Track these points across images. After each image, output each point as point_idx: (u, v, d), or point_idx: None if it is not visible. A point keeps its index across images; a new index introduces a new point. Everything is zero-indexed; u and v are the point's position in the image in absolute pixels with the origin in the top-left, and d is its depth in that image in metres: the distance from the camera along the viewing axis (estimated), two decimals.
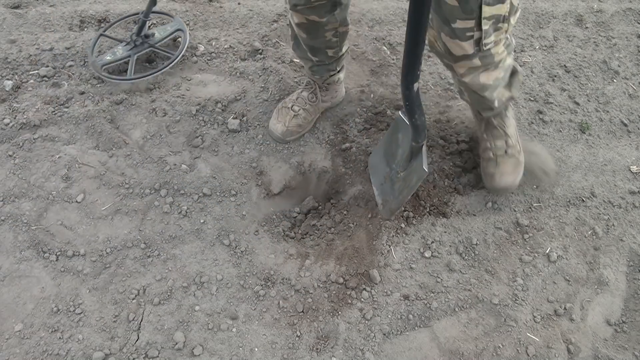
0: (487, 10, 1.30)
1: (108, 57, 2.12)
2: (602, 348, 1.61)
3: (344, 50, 1.94)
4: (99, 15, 2.41)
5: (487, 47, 1.39)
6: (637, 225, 1.93)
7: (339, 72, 2.06)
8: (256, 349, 1.51)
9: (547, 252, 1.80)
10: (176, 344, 1.50)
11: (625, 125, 2.27)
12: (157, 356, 1.48)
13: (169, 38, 2.26)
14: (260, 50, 2.35)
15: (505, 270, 1.75)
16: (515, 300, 1.68)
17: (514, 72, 1.71)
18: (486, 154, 1.82)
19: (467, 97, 1.76)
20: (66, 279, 1.62)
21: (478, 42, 1.36)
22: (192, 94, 2.15)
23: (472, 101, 1.75)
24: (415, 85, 1.27)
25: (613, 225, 1.91)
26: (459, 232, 1.82)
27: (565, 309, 1.68)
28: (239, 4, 2.59)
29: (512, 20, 1.39)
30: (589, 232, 1.87)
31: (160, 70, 2.12)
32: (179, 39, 2.28)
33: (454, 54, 1.45)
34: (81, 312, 1.55)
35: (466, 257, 1.76)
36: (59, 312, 1.55)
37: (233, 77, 2.24)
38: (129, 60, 2.13)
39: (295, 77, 2.25)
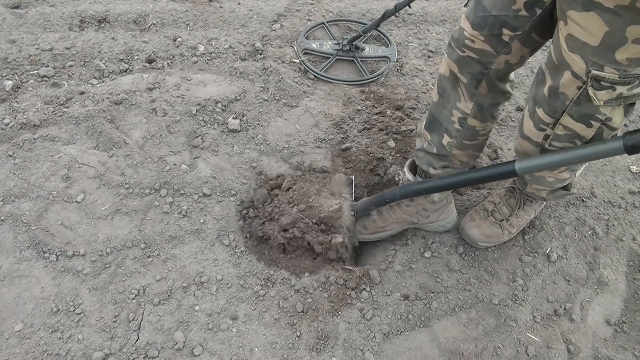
0: (567, 121, 1.24)
1: (314, 45, 2.28)
2: (602, 348, 1.61)
3: (459, 157, 1.58)
4: (99, 15, 2.41)
5: (552, 148, 1.32)
6: (637, 225, 1.93)
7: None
8: (256, 349, 1.51)
9: (547, 252, 1.80)
10: (176, 344, 1.50)
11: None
12: (157, 356, 1.48)
13: (374, 58, 2.35)
14: (260, 50, 2.35)
15: (505, 270, 1.75)
16: (515, 300, 1.68)
17: (568, 189, 1.62)
18: (489, 205, 1.78)
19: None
20: (66, 279, 1.62)
21: (547, 138, 1.32)
22: (192, 94, 2.15)
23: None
24: None
25: (613, 225, 1.91)
26: (459, 225, 1.82)
27: (565, 309, 1.68)
28: (239, 4, 2.59)
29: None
30: (589, 232, 1.87)
31: (344, 81, 2.24)
32: (382, 63, 2.37)
33: (523, 128, 1.41)
34: (81, 312, 1.55)
35: (466, 257, 1.76)
36: (59, 312, 1.55)
37: (233, 77, 2.24)
38: (329, 56, 2.29)
39: (295, 77, 2.25)
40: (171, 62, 2.28)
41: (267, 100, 2.16)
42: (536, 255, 1.79)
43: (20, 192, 1.79)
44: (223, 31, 2.42)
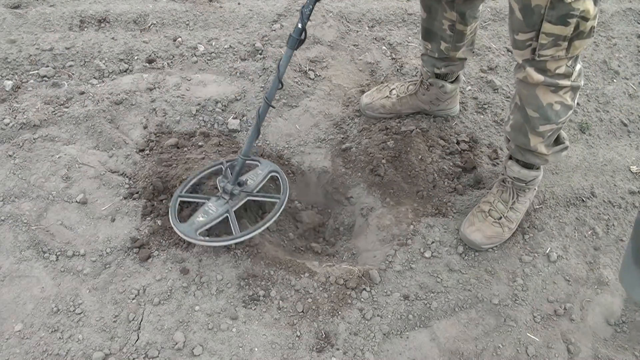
0: (547, 27, 1.37)
1: (201, 219, 1.68)
2: (602, 348, 1.61)
3: (457, 55, 1.89)
4: (99, 15, 2.41)
5: (542, 57, 1.43)
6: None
7: (445, 78, 2.01)
8: (256, 349, 1.51)
9: (547, 252, 1.80)
10: (176, 344, 1.50)
11: (625, 125, 2.27)
12: (157, 356, 1.48)
13: (262, 182, 1.83)
14: (260, 50, 2.35)
15: (505, 270, 1.75)
16: (515, 300, 1.68)
17: (561, 142, 1.69)
18: (484, 205, 1.81)
19: (514, 121, 1.66)
20: (66, 279, 1.62)
21: (534, 51, 1.44)
22: (192, 94, 2.15)
23: (517, 129, 1.65)
24: None
25: (613, 225, 1.91)
26: (459, 232, 1.82)
27: (565, 309, 1.68)
28: (239, 4, 2.59)
29: (577, 44, 1.40)
30: (589, 232, 1.87)
31: (272, 219, 1.71)
32: (276, 180, 1.90)
33: (517, 61, 1.53)
34: (81, 312, 1.55)
35: (466, 257, 1.76)
36: (59, 312, 1.55)
37: (233, 77, 2.24)
38: (226, 216, 1.71)
39: (295, 77, 2.25)
40: (171, 62, 2.28)
41: None
42: (536, 255, 1.79)
43: (20, 192, 1.79)
44: (223, 31, 2.43)
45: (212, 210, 1.71)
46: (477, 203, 1.86)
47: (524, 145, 1.65)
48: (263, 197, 1.80)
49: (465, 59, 1.95)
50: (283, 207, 1.75)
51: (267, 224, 1.70)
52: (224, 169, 1.76)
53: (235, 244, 1.68)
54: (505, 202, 1.80)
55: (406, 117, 2.14)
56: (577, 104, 1.78)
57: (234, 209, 1.72)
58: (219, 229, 1.73)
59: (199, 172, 1.83)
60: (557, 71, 1.47)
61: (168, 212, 1.74)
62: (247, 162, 1.75)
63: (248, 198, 1.77)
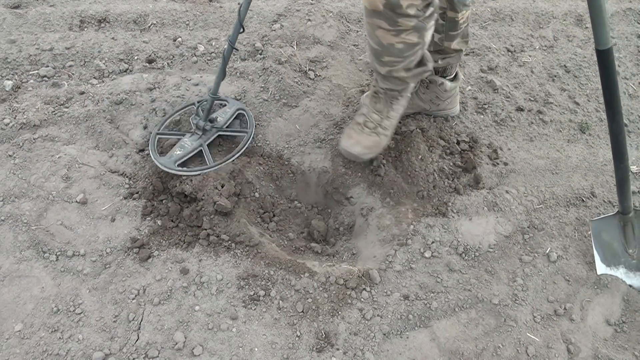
0: None
1: (178, 152, 1.88)
2: (602, 348, 1.61)
3: (452, 46, 1.87)
4: (99, 15, 2.41)
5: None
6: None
7: (444, 74, 1.99)
8: (256, 349, 1.51)
9: (547, 252, 1.80)
10: (176, 344, 1.50)
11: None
12: (157, 356, 1.48)
13: (231, 119, 2.03)
14: (260, 50, 2.35)
15: (505, 270, 1.75)
16: (515, 300, 1.68)
17: (423, 64, 1.75)
18: (360, 117, 1.90)
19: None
20: (66, 279, 1.62)
21: None
22: (192, 94, 2.15)
23: (371, 54, 1.72)
24: None
25: None
26: (459, 232, 1.82)
27: (565, 309, 1.68)
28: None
29: None
30: (589, 232, 1.87)
31: (241, 150, 1.92)
32: (243, 117, 2.09)
33: None
34: (81, 312, 1.55)
35: (466, 257, 1.76)
36: (59, 312, 1.55)
37: (233, 77, 2.24)
38: (200, 150, 1.92)
39: (295, 77, 2.25)
40: (171, 62, 2.28)
41: (267, 100, 2.16)
42: (536, 255, 1.79)
43: (20, 192, 1.79)
44: (223, 31, 2.43)
45: (187, 144, 1.91)
46: (353, 117, 1.96)
47: (380, 71, 1.74)
48: (232, 132, 2.01)
49: (461, 50, 1.94)
50: (250, 140, 1.97)
51: (236, 155, 1.90)
52: (195, 108, 1.96)
53: (209, 172, 1.85)
54: (380, 112, 1.88)
55: (406, 117, 2.14)
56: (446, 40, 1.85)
57: (207, 142, 1.93)
58: (195, 163, 1.91)
59: (174, 111, 2.05)
60: (408, 11, 1.48)
61: (150, 148, 1.91)
62: (217, 101, 2.00)
63: (218, 133, 1.97)
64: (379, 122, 1.86)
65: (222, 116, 2.01)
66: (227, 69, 2.27)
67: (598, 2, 1.32)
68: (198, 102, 2.00)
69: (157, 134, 1.96)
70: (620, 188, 1.72)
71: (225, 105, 2.07)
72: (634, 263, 1.78)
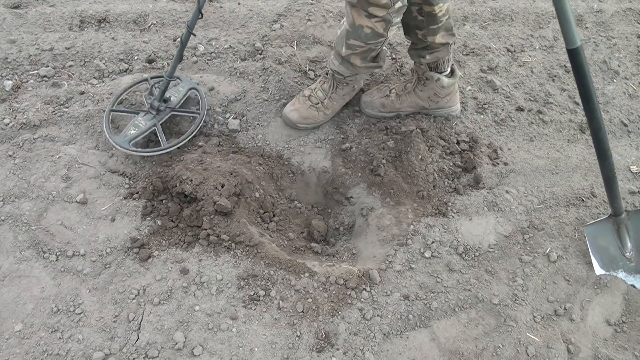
0: None
1: (132, 131, 1.90)
2: (602, 348, 1.61)
3: (436, 40, 1.89)
4: (99, 15, 2.41)
5: None
6: None
7: (438, 69, 2.01)
8: (256, 349, 1.51)
9: (547, 252, 1.80)
10: (176, 344, 1.50)
11: (625, 125, 2.27)
12: (157, 356, 1.48)
13: (184, 98, 2.06)
14: (260, 50, 2.35)
15: (505, 270, 1.75)
16: (515, 300, 1.68)
17: (377, 61, 1.92)
18: (307, 91, 2.07)
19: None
20: (66, 279, 1.62)
21: None
22: (192, 93, 2.15)
23: (340, 36, 1.85)
24: None
25: None
26: (459, 232, 1.82)
27: (565, 309, 1.68)
28: (239, 4, 2.59)
29: None
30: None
31: (193, 133, 1.96)
32: (195, 96, 2.11)
33: None
34: (81, 312, 1.55)
35: (466, 257, 1.76)
36: (59, 312, 1.55)
37: (233, 77, 2.24)
38: (154, 129, 1.95)
39: (295, 77, 2.25)
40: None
41: (267, 100, 2.16)
42: (536, 255, 1.79)
43: (20, 192, 1.79)
44: (223, 31, 2.42)
45: (141, 124, 1.92)
46: (302, 89, 2.12)
47: (340, 51, 1.86)
48: (184, 112, 2.03)
49: (448, 43, 1.94)
50: (202, 121, 2.00)
51: (189, 137, 1.94)
52: (150, 86, 1.99)
53: (162, 154, 1.92)
54: (325, 91, 2.04)
55: (406, 117, 2.14)
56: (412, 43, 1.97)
57: (160, 122, 1.96)
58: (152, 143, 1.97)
59: (127, 86, 2.05)
60: (379, 0, 1.62)
61: (104, 128, 1.92)
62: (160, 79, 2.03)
63: (172, 113, 2.00)
64: (322, 100, 2.04)
65: (175, 95, 2.03)
66: (227, 69, 2.27)
67: (563, 4, 1.41)
68: (152, 78, 2.03)
69: (111, 110, 1.97)
70: (609, 187, 1.71)
71: (178, 84, 2.09)
72: (632, 266, 1.77)
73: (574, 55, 1.53)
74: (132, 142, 1.88)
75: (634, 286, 1.74)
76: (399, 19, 1.74)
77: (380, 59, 1.92)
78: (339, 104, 2.09)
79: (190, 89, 2.07)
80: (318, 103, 2.03)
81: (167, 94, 1.99)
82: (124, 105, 2.06)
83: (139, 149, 1.89)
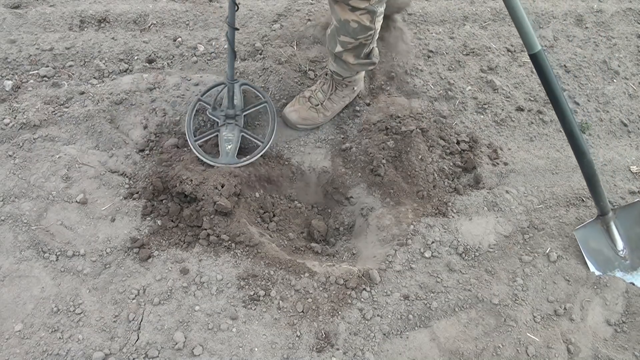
0: None
1: (229, 146, 1.91)
2: (602, 348, 1.61)
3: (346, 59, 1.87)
4: (99, 15, 2.40)
5: None
6: None
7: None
8: (256, 349, 1.51)
9: (547, 252, 1.80)
10: (176, 344, 1.50)
11: (625, 125, 2.27)
12: (157, 356, 1.48)
13: (242, 97, 2.07)
14: (260, 50, 2.35)
15: (505, 270, 1.75)
16: (515, 300, 1.68)
17: (369, 57, 1.89)
18: (307, 92, 2.08)
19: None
20: (66, 279, 1.62)
21: None
22: (192, 93, 2.15)
23: (331, 35, 1.85)
24: None
25: None
26: (459, 232, 1.82)
27: (565, 309, 1.68)
28: (239, 3, 2.58)
29: None
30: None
31: (275, 116, 1.99)
32: (248, 91, 2.13)
33: None
34: (81, 312, 1.55)
35: (466, 257, 1.76)
36: (59, 312, 1.55)
37: None
38: (242, 135, 1.97)
39: (295, 77, 2.24)
40: (171, 62, 2.28)
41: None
42: (536, 255, 1.79)
43: (20, 192, 1.79)
44: (223, 31, 2.42)
45: (230, 136, 1.94)
46: (303, 90, 2.12)
47: (333, 50, 1.86)
48: (254, 107, 2.04)
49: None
50: (273, 105, 2.02)
51: (275, 122, 1.99)
52: (204, 103, 2.02)
53: (266, 150, 1.94)
54: (325, 93, 2.05)
55: (406, 117, 2.14)
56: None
57: (243, 126, 1.98)
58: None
59: (189, 117, 2.00)
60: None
61: (200, 157, 1.88)
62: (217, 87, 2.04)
63: (244, 114, 2.02)
64: (321, 101, 2.05)
65: (236, 98, 2.03)
66: (225, 68, 2.27)
67: (518, 13, 1.45)
68: (201, 95, 2.04)
69: (195, 141, 1.93)
70: (591, 186, 1.71)
71: (224, 87, 2.07)
72: (627, 264, 1.77)
73: (536, 60, 1.52)
74: (236, 154, 1.90)
75: (633, 284, 1.74)
76: (382, 8, 1.73)
77: (373, 55, 1.91)
78: (339, 106, 2.10)
79: (242, 85, 2.07)
80: (318, 104, 2.04)
81: (224, 101, 2.01)
82: (197, 133, 2.01)
83: (246, 158, 1.89)
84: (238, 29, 1.87)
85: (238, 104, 2.01)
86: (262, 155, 1.93)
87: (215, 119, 1.98)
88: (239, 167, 1.87)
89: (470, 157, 2.04)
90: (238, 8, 1.79)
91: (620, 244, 1.79)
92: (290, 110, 2.05)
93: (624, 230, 1.80)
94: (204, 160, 1.87)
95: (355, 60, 1.87)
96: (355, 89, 2.10)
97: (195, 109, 2.03)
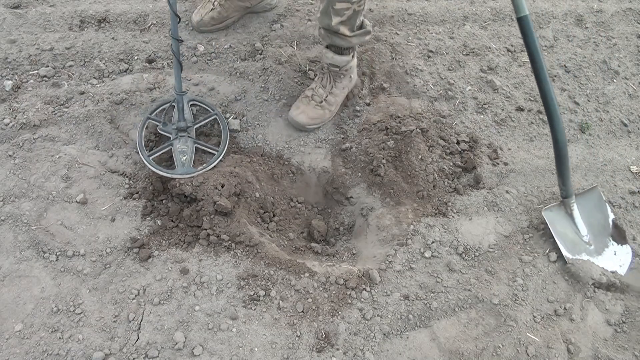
0: None
1: (185, 157, 1.88)
2: (602, 348, 1.61)
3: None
4: (99, 15, 2.41)
5: None
6: (637, 226, 1.93)
7: None
8: (256, 349, 1.51)
9: (547, 252, 1.80)
10: (176, 344, 1.50)
11: (625, 125, 2.27)
12: (157, 356, 1.48)
13: (190, 111, 2.06)
14: (260, 50, 2.35)
15: (505, 270, 1.75)
16: (515, 300, 1.68)
17: (363, 27, 1.93)
18: (309, 92, 2.11)
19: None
20: (66, 279, 1.62)
21: None
22: (192, 93, 2.15)
23: (323, 12, 1.85)
24: None
25: None
26: (459, 232, 1.82)
27: (565, 309, 1.68)
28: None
29: None
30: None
31: (227, 128, 2.00)
32: (197, 106, 2.11)
33: None
34: (81, 312, 1.55)
35: (466, 257, 1.76)
36: (59, 312, 1.55)
37: (233, 77, 2.24)
38: (196, 146, 1.95)
39: (295, 77, 2.25)
40: (171, 62, 2.28)
41: (267, 100, 2.16)
42: (536, 255, 1.79)
43: (20, 192, 1.79)
44: (223, 31, 2.42)
45: (184, 148, 1.92)
46: (303, 90, 2.15)
47: (328, 27, 1.87)
48: (204, 120, 2.03)
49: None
50: (221, 117, 2.03)
51: (227, 134, 1.99)
52: (153, 120, 1.99)
53: (220, 160, 1.92)
54: (325, 88, 2.08)
55: (406, 117, 2.13)
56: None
57: (195, 138, 1.97)
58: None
59: (139, 133, 1.96)
60: None
61: (155, 171, 1.86)
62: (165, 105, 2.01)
63: (195, 126, 2.00)
64: (324, 97, 2.08)
65: (185, 111, 2.00)
66: (227, 69, 2.27)
67: None
68: (150, 113, 2.01)
69: (149, 156, 1.89)
70: (560, 163, 1.74)
71: (173, 106, 2.02)
72: (592, 249, 1.79)
73: (523, 22, 1.66)
74: (192, 165, 1.88)
75: (604, 268, 1.75)
76: None
77: (365, 25, 1.93)
78: (341, 98, 2.14)
79: (190, 101, 2.06)
80: (322, 101, 2.07)
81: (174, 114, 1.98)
82: (150, 146, 2.00)
83: (200, 167, 1.87)
84: (182, 41, 1.89)
85: (188, 117, 2.00)
86: (218, 164, 1.90)
87: (166, 134, 1.95)
88: (195, 176, 1.83)
89: (470, 157, 2.04)
90: (180, 20, 1.81)
91: (583, 229, 1.83)
92: (297, 114, 2.06)
93: (586, 217, 1.84)
94: (161, 173, 1.84)
95: (351, 33, 1.90)
96: (352, 77, 2.14)
97: (145, 126, 1.99)
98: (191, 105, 2.07)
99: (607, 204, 1.90)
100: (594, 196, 1.89)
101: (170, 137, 1.94)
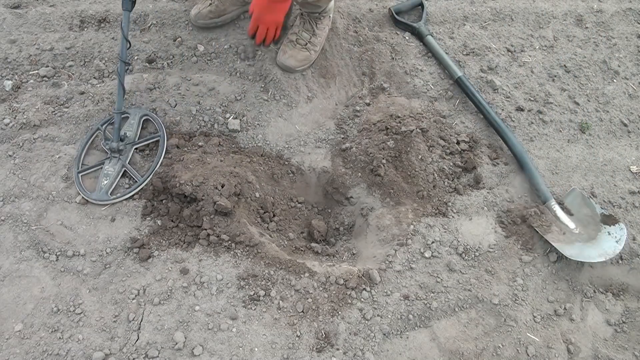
0: None
1: (105, 182, 1.83)
2: (602, 348, 1.61)
3: None
4: (99, 15, 2.40)
5: None
6: (637, 225, 1.93)
7: None
8: (256, 349, 1.51)
9: (547, 252, 1.80)
10: (176, 344, 1.50)
11: (625, 125, 2.27)
12: (157, 356, 1.48)
13: (139, 129, 1.99)
14: (261, 50, 2.35)
15: (505, 270, 1.75)
16: (515, 300, 1.68)
17: None
18: (292, 36, 2.19)
19: None
20: (66, 279, 1.62)
21: None
22: (192, 94, 2.15)
23: None
24: None
25: None
26: (459, 232, 1.82)
27: (565, 309, 1.68)
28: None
29: None
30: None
31: (161, 155, 1.90)
32: (147, 123, 2.05)
33: None
34: (81, 312, 1.55)
35: (466, 257, 1.76)
36: (59, 312, 1.55)
37: (233, 77, 2.24)
38: (124, 171, 1.89)
39: (295, 77, 2.25)
40: (171, 62, 2.28)
41: (267, 100, 2.16)
42: (536, 255, 1.79)
43: (20, 192, 1.79)
44: (223, 31, 2.42)
45: (110, 171, 1.87)
46: (286, 35, 2.22)
47: None
48: (145, 141, 1.98)
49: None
50: (166, 141, 1.95)
51: (160, 160, 1.90)
52: (102, 133, 1.95)
53: (142, 189, 1.85)
54: (308, 31, 2.18)
55: (406, 117, 2.13)
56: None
57: (127, 161, 1.90)
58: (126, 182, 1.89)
59: (82, 145, 1.94)
60: None
61: (77, 188, 1.83)
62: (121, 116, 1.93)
63: (134, 148, 1.95)
64: (309, 40, 2.18)
65: (130, 129, 1.95)
66: (227, 69, 2.27)
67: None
68: (102, 124, 1.96)
69: (78, 172, 1.85)
70: (525, 172, 1.95)
71: (128, 117, 2.00)
72: (585, 236, 1.82)
73: (460, 82, 2.09)
74: (110, 191, 1.82)
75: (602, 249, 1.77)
76: None
77: None
78: (323, 37, 2.25)
79: (142, 116, 2.01)
80: (306, 44, 2.18)
81: (122, 132, 1.91)
82: (89, 161, 1.93)
83: (118, 195, 1.81)
84: (130, 64, 1.91)
85: (131, 135, 1.94)
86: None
87: (106, 150, 1.90)
88: (108, 205, 1.79)
89: (470, 157, 2.04)
90: (130, 46, 1.87)
91: (572, 224, 1.85)
92: (285, 58, 2.16)
93: (575, 214, 1.89)
94: (81, 194, 1.80)
95: None
96: (330, 16, 2.25)
97: (93, 137, 1.95)
98: (144, 120, 2.01)
99: (591, 199, 1.93)
100: (575, 196, 1.94)
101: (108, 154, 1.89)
